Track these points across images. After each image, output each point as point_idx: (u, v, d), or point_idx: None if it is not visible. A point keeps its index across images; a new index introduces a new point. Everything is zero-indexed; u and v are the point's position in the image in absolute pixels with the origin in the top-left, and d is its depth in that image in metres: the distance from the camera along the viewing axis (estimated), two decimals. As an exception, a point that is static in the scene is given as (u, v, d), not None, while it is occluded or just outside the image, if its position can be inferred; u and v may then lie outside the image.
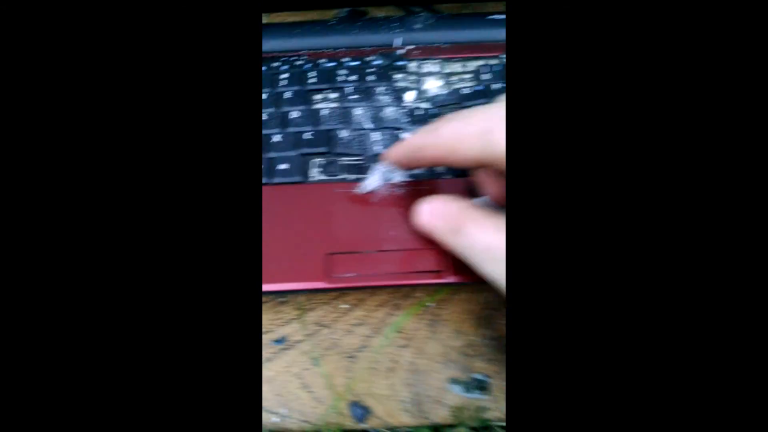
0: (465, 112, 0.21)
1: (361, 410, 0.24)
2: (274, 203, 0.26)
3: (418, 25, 0.37)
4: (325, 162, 0.29)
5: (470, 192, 0.26)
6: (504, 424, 0.24)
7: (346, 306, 0.27)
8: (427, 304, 0.27)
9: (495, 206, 0.24)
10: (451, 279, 0.24)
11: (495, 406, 0.24)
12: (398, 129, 0.30)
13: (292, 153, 0.29)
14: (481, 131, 0.19)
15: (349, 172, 0.28)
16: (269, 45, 0.37)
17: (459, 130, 0.20)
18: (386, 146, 0.29)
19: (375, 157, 0.28)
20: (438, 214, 0.22)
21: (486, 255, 0.19)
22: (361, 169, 0.28)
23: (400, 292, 0.27)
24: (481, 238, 0.20)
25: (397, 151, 0.24)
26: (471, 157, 0.20)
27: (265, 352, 0.25)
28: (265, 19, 0.39)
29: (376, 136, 0.30)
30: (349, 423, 0.24)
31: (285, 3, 0.38)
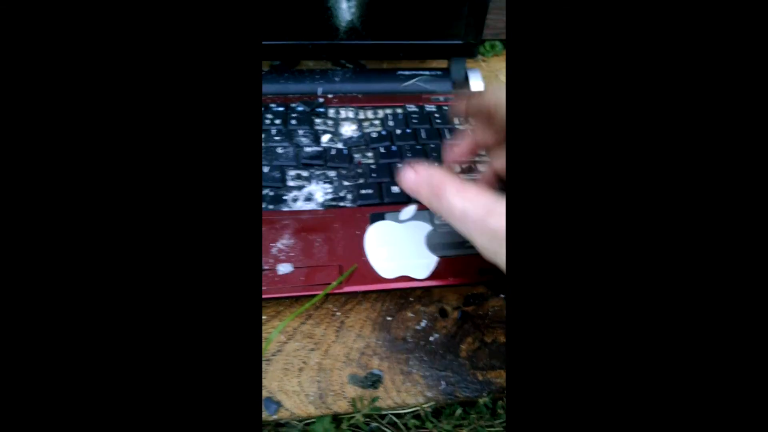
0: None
1: (273, 404, 0.28)
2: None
3: (337, 78, 0.43)
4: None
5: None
6: (394, 412, 0.29)
7: (264, 317, 0.31)
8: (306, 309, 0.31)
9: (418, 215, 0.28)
10: (348, 288, 0.29)
11: (387, 396, 0.29)
12: (318, 166, 0.36)
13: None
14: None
15: (268, 202, 0.33)
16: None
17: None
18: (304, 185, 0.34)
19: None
20: (421, 181, 0.24)
21: (463, 219, 0.22)
22: (279, 200, 0.33)
23: (313, 305, 0.32)
24: (459, 204, 0.22)
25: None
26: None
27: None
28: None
29: (293, 172, 0.35)
30: (263, 415, 0.28)
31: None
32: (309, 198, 0.34)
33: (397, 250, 0.31)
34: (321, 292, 0.29)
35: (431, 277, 0.30)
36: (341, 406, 0.28)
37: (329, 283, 0.29)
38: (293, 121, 0.38)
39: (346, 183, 0.35)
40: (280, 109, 0.39)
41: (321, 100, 0.41)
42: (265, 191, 0.34)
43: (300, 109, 0.40)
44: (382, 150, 0.37)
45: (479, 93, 0.29)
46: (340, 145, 0.37)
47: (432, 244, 0.31)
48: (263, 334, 0.30)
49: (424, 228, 0.32)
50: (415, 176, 0.24)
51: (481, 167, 0.32)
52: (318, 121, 0.39)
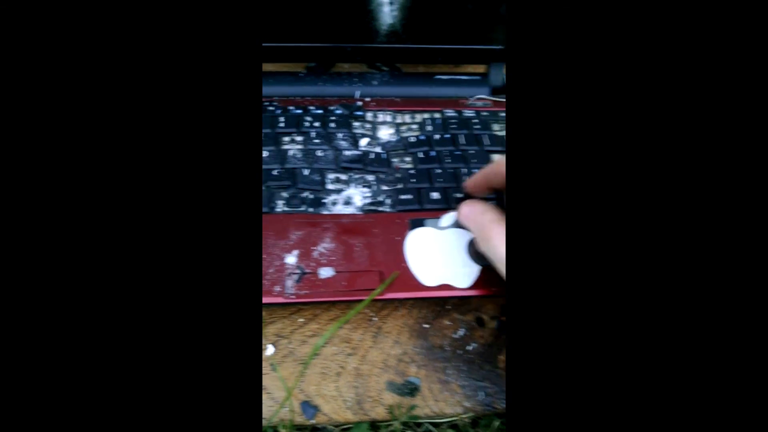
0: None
1: (311, 409, 0.28)
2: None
3: (375, 81, 0.43)
4: (287, 195, 0.34)
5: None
6: (431, 421, 0.29)
7: (302, 320, 0.31)
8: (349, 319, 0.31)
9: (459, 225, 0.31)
10: (391, 295, 0.29)
11: (424, 405, 0.29)
12: (357, 169, 0.36)
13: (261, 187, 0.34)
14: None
15: (308, 205, 0.33)
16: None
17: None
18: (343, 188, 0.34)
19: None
20: (472, 219, 0.26)
21: (504, 265, 0.23)
22: (318, 203, 0.33)
23: (350, 309, 0.32)
24: (502, 250, 0.23)
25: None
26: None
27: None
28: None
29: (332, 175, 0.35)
30: (300, 419, 0.28)
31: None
32: (348, 202, 0.34)
33: (438, 257, 0.31)
34: (366, 298, 0.29)
35: (473, 286, 0.29)
36: (379, 412, 0.28)
37: (370, 289, 0.29)
38: (332, 124, 0.38)
39: (384, 188, 0.35)
40: (319, 111, 0.39)
41: (359, 103, 0.41)
42: (304, 194, 0.34)
43: (339, 112, 0.40)
44: (420, 155, 0.37)
45: (487, 169, 0.30)
46: (378, 149, 0.37)
47: (473, 253, 0.31)
48: (301, 337, 0.30)
49: (465, 236, 0.32)
50: (469, 211, 0.27)
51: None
52: (356, 124, 0.39)
